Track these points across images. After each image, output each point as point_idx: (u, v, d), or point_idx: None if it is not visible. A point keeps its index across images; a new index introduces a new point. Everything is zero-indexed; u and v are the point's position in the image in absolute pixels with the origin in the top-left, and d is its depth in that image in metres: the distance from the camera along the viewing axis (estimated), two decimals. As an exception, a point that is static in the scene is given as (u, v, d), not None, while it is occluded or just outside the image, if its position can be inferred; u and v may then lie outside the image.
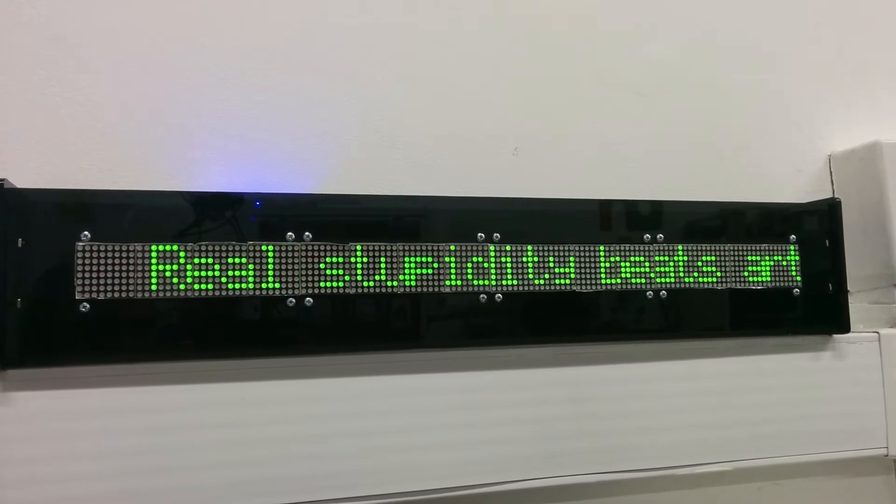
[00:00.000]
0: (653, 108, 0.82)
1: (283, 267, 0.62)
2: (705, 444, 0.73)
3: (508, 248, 0.68)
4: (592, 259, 0.70)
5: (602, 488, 0.73)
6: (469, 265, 0.67)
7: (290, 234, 0.62)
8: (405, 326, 0.66)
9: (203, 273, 0.60)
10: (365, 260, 0.64)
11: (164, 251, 0.59)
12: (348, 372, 0.65)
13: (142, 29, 0.67)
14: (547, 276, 0.69)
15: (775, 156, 0.85)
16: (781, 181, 0.85)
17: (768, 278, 0.76)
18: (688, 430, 0.73)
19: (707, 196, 0.79)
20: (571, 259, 0.69)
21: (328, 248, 0.63)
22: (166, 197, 0.61)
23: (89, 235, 0.58)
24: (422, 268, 0.65)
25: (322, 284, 0.63)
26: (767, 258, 0.76)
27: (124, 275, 0.58)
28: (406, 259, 0.65)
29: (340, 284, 0.63)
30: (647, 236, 0.72)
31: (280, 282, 0.62)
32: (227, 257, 0.61)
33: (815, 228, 0.78)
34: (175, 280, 0.59)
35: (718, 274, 0.74)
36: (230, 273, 0.61)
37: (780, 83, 0.87)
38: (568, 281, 0.69)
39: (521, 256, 0.68)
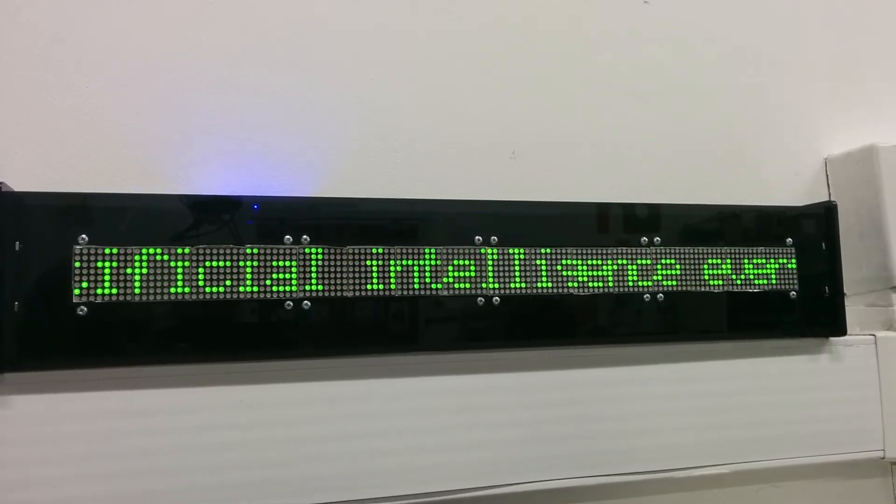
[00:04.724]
0: (650, 112, 0.82)
1: (281, 270, 0.62)
2: (703, 447, 0.73)
3: (506, 251, 0.68)
4: (590, 262, 0.70)
5: (600, 491, 0.72)
6: (467, 268, 0.67)
7: (287, 237, 0.63)
8: (403, 329, 0.66)
9: (200, 276, 0.60)
10: (362, 263, 0.64)
11: (162, 254, 0.59)
12: (346, 375, 0.65)
13: (141, 31, 0.67)
14: (544, 279, 0.69)
15: (772, 159, 0.86)
16: (778, 184, 0.85)
17: (765, 281, 0.76)
18: (685, 433, 0.73)
19: (704, 199, 0.80)
20: (569, 262, 0.70)
21: (326, 251, 0.63)
22: (164, 200, 0.61)
23: (87, 238, 0.58)
24: (419, 271, 0.65)
25: (319, 287, 0.63)
26: (764, 261, 0.76)
27: (122, 278, 0.59)
28: (404, 262, 0.65)
29: (338, 287, 0.63)
30: (645, 239, 0.72)
31: (277, 285, 0.62)
32: (224, 260, 0.61)
33: (812, 231, 0.78)
34: (173, 283, 0.59)
35: (715, 277, 0.74)
36: (228, 276, 0.61)
37: (776, 87, 0.87)
38: (565, 284, 0.69)
39: (519, 260, 0.68)
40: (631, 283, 0.71)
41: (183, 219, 0.61)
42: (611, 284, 0.71)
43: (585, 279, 0.70)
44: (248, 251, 0.62)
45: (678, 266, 0.73)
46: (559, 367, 0.70)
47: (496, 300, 0.67)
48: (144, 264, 0.59)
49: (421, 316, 0.66)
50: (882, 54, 0.93)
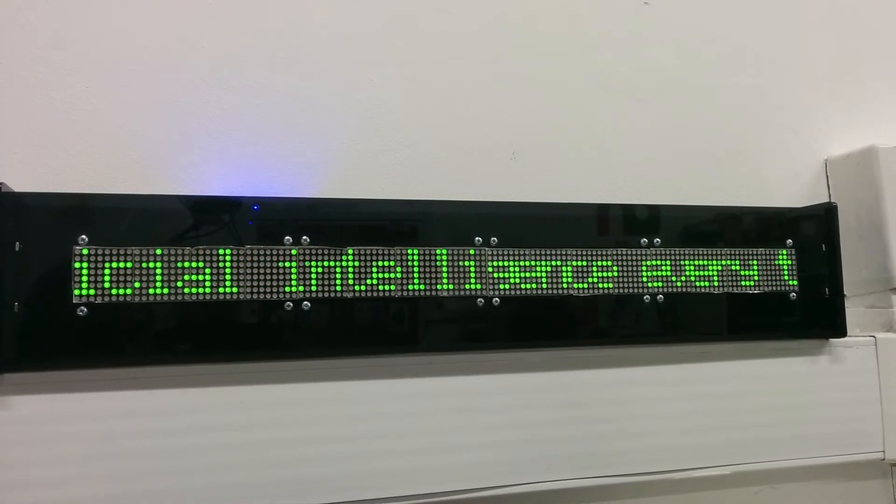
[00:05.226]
0: (650, 113, 0.82)
1: (281, 271, 0.62)
2: (703, 448, 0.73)
3: (506, 252, 0.68)
4: (590, 263, 0.70)
5: (599, 492, 0.72)
6: (466, 269, 0.67)
7: (287, 237, 0.63)
8: (402, 330, 0.66)
9: (200, 277, 0.60)
10: (362, 264, 0.64)
11: (162, 255, 0.59)
12: (345, 376, 0.65)
13: (141, 31, 0.67)
14: (544, 280, 0.69)
15: (772, 160, 0.86)
16: (778, 186, 0.85)
17: (765, 282, 0.76)
18: (685, 434, 0.73)
19: (704, 200, 0.80)
20: (569, 263, 0.70)
21: (326, 251, 0.63)
22: (164, 201, 0.61)
23: (87, 239, 0.58)
24: (419, 272, 0.65)
25: (319, 288, 0.63)
26: (764, 262, 0.76)
27: (122, 278, 0.58)
28: (403, 263, 0.65)
29: (338, 288, 0.63)
30: (645, 240, 0.72)
31: (277, 286, 0.62)
32: (224, 261, 0.61)
33: (812, 233, 0.78)
34: (173, 284, 0.59)
35: (715, 278, 0.74)
36: (228, 277, 0.61)
37: (776, 88, 0.87)
38: (565, 285, 0.69)
39: (519, 260, 0.68)
40: (631, 285, 0.71)
41: (183, 219, 0.61)
42: (611, 285, 0.71)
43: (585, 280, 0.70)
44: (248, 252, 0.61)
45: (678, 267, 0.73)
46: (559, 368, 0.70)
47: (496, 301, 0.67)
48: (144, 265, 0.59)
49: (421, 317, 0.66)
50: (882, 55, 0.93)
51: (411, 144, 0.74)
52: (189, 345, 0.61)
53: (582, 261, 0.70)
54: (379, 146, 0.73)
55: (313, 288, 0.63)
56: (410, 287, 0.65)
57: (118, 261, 0.59)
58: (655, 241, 0.73)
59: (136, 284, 0.59)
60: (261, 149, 0.69)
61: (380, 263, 0.64)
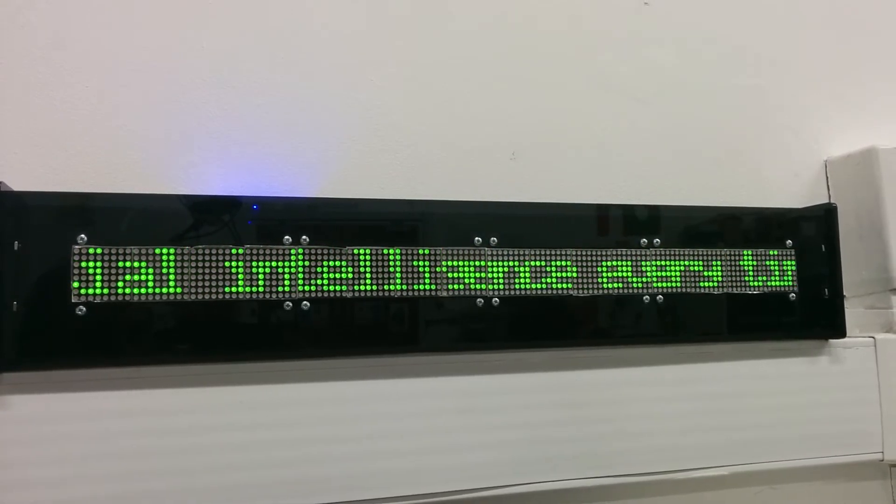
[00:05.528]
0: (650, 113, 0.82)
1: (281, 270, 0.62)
2: (702, 449, 0.73)
3: (505, 252, 0.68)
4: (589, 263, 0.70)
5: (599, 493, 0.72)
6: (466, 269, 0.67)
7: (287, 237, 0.63)
8: (402, 330, 0.66)
9: (200, 276, 0.60)
10: (362, 264, 0.64)
11: (161, 254, 0.59)
12: (345, 376, 0.65)
13: (141, 31, 0.67)
14: (544, 280, 0.69)
15: (772, 161, 0.86)
16: (778, 186, 0.85)
17: (765, 283, 0.76)
18: (684, 435, 0.73)
19: (704, 201, 0.80)
20: (568, 263, 0.70)
21: (325, 251, 0.63)
22: (164, 200, 0.61)
23: (86, 238, 0.58)
24: (419, 272, 0.65)
25: (319, 288, 0.63)
26: (764, 263, 0.76)
27: (121, 278, 0.58)
28: (403, 263, 0.65)
29: (337, 288, 0.63)
30: (644, 241, 0.72)
31: (277, 285, 0.62)
32: (224, 261, 0.61)
33: (812, 233, 0.78)
34: (172, 283, 0.59)
35: (715, 279, 0.74)
36: (227, 277, 0.61)
37: (776, 88, 0.87)
38: (565, 285, 0.69)
39: (519, 261, 0.68)
40: (630, 285, 0.71)
41: (183, 219, 0.61)
42: (610, 286, 0.71)
43: (585, 280, 0.70)
44: (248, 252, 0.61)
45: (678, 268, 0.73)
46: (559, 369, 0.70)
47: (496, 301, 0.67)
48: (144, 265, 0.59)
49: (421, 317, 0.66)
50: (882, 55, 0.93)
51: (411, 144, 0.74)
52: (189, 345, 0.61)
53: (582, 261, 0.70)
54: (379, 146, 0.73)
55: (315, 287, 0.63)
56: (410, 287, 0.65)
57: (117, 260, 0.58)
58: (655, 241, 0.73)
59: (136, 284, 0.59)
60: (261, 149, 0.69)
61: (379, 263, 0.64)
